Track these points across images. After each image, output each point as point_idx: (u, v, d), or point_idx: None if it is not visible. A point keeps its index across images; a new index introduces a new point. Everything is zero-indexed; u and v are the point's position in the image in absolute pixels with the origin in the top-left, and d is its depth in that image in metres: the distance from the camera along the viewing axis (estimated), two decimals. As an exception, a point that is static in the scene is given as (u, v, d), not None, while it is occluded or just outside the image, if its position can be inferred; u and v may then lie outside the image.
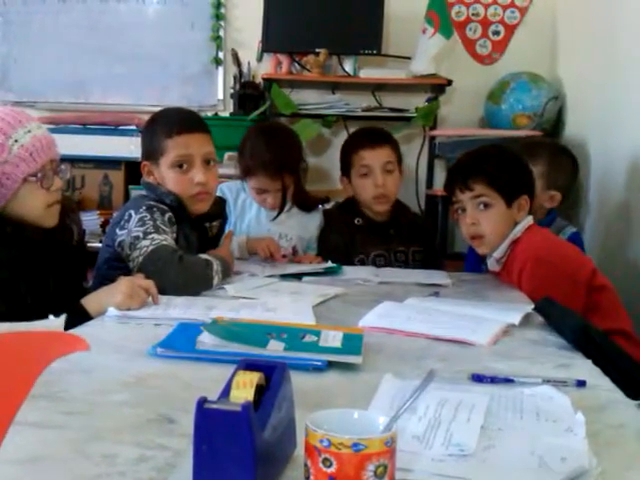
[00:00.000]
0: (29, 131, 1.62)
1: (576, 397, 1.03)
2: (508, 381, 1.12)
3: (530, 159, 2.50)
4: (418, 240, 2.61)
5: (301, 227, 2.58)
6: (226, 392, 0.70)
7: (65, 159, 1.81)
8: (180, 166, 1.99)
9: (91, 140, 3.29)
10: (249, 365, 0.76)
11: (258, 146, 2.43)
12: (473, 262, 2.51)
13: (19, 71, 3.73)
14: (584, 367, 1.24)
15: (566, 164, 2.75)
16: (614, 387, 1.12)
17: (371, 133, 2.64)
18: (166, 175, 2.00)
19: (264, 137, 2.48)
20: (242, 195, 2.55)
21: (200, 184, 1.99)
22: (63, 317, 1.24)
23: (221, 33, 3.61)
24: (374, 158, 2.53)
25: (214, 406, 0.66)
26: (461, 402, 0.96)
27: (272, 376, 0.75)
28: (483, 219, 2.12)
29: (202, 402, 0.66)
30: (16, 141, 1.60)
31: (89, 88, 3.69)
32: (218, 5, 3.58)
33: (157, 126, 2.04)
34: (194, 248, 2.02)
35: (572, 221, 2.96)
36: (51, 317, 1.25)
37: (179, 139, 1.97)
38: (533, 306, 1.67)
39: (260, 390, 0.73)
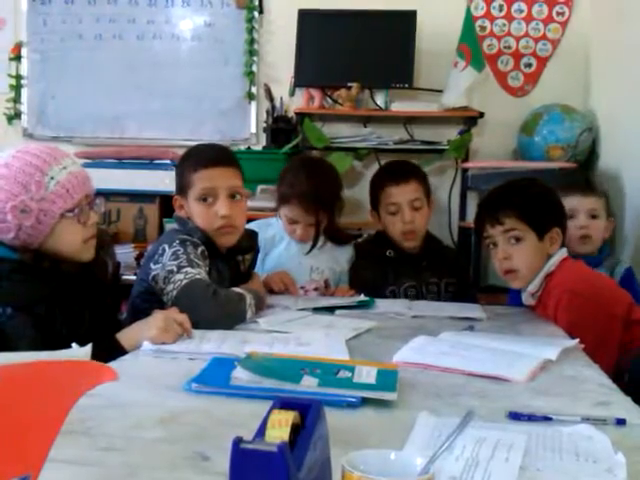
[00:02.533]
0: (64, 167, 1.65)
1: (616, 436, 1.00)
2: (546, 419, 1.10)
3: (589, 192, 2.51)
4: (451, 272, 2.59)
5: (332, 260, 2.58)
6: (261, 432, 0.70)
7: (101, 193, 1.83)
8: (205, 199, 2.01)
9: (126, 174, 3.34)
10: (284, 404, 0.76)
11: (298, 177, 2.45)
12: (516, 294, 2.50)
13: (57, 107, 3.81)
14: (624, 405, 1.21)
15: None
16: (655, 425, 1.10)
17: (398, 169, 2.63)
18: (193, 209, 2.02)
19: (306, 169, 2.49)
20: (270, 231, 2.54)
21: (224, 217, 2.00)
22: (89, 346, 1.24)
23: (254, 68, 3.67)
24: (401, 195, 2.52)
25: (250, 446, 0.65)
26: (499, 441, 0.95)
27: (307, 415, 0.75)
28: (515, 253, 2.10)
29: (238, 442, 0.66)
30: (52, 178, 1.62)
31: (125, 123, 3.76)
32: (251, 41, 3.64)
33: (187, 161, 2.08)
34: (227, 282, 2.02)
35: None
36: (74, 346, 1.25)
37: (204, 172, 2.00)
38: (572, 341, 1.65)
39: (295, 429, 0.73)
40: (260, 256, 2.43)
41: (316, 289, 2.43)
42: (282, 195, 2.48)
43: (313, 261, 2.52)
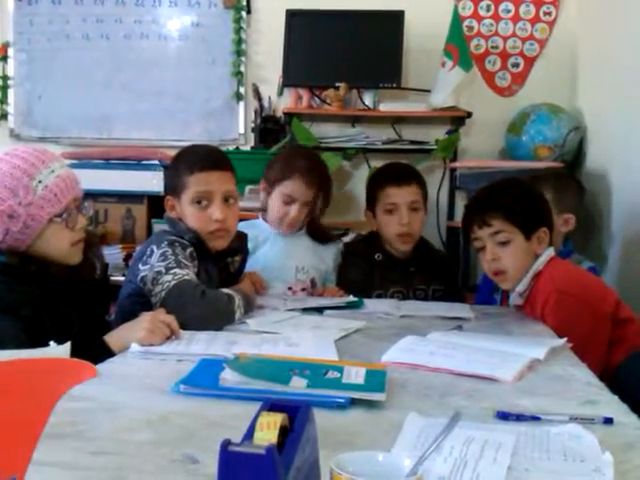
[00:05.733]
0: (52, 171, 1.64)
1: (603, 435, 1.01)
2: (534, 419, 1.10)
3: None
4: (439, 278, 2.58)
5: (317, 258, 2.57)
6: (250, 434, 0.70)
7: (88, 194, 1.82)
8: (199, 202, 2.00)
9: (114, 175, 3.32)
10: (273, 406, 0.76)
11: (295, 155, 2.47)
12: (486, 293, 2.51)
13: (43, 107, 3.79)
14: (611, 404, 1.22)
15: (572, 186, 2.74)
16: (642, 424, 1.10)
17: (399, 170, 2.62)
18: (186, 210, 2.02)
19: (301, 151, 2.54)
20: (254, 232, 2.49)
21: (218, 221, 2.00)
22: (68, 344, 1.24)
23: (242, 68, 3.66)
24: (401, 196, 2.52)
25: (238, 449, 0.65)
26: (487, 441, 0.95)
27: (296, 417, 0.75)
28: (504, 255, 2.11)
29: (226, 445, 0.66)
30: (40, 182, 1.61)
31: (112, 124, 3.74)
32: (239, 41, 3.63)
33: (181, 162, 2.06)
34: (215, 283, 2.02)
35: (594, 252, 2.94)
36: (52, 344, 1.25)
37: (200, 176, 1.99)
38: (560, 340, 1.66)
39: (284, 431, 0.73)
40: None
41: (303, 289, 2.43)
42: (280, 173, 2.44)
43: (298, 261, 2.51)
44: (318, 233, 2.57)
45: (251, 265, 2.41)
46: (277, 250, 2.52)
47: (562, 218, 2.62)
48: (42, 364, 0.74)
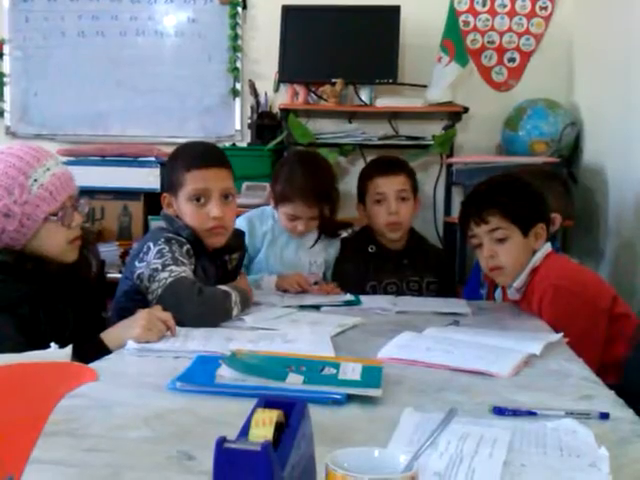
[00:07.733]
0: (48, 169, 1.63)
1: (599, 430, 1.01)
2: (530, 414, 1.10)
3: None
4: (433, 271, 2.60)
5: (325, 252, 2.61)
6: (245, 431, 0.70)
7: (84, 191, 1.82)
8: (198, 199, 1.99)
9: (110, 172, 3.32)
10: (268, 402, 0.76)
11: (295, 173, 2.45)
12: (473, 288, 2.52)
13: (39, 105, 3.79)
14: (607, 398, 1.22)
15: (554, 186, 2.73)
16: (637, 419, 1.10)
17: (387, 161, 2.66)
18: (183, 208, 2.01)
19: (301, 164, 2.49)
20: (268, 223, 2.54)
21: (216, 218, 1.99)
22: (69, 348, 1.23)
23: (238, 65, 3.66)
24: (388, 185, 2.55)
25: (233, 446, 0.65)
26: (483, 437, 0.95)
27: (291, 413, 0.75)
28: (501, 251, 2.10)
29: (221, 442, 0.66)
30: (36, 180, 1.60)
31: (108, 120, 3.74)
32: (235, 37, 3.63)
33: (178, 159, 2.05)
34: (212, 280, 2.02)
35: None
36: (53, 346, 1.24)
37: (197, 173, 1.98)
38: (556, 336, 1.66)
39: (279, 428, 0.72)
40: (262, 248, 2.50)
41: (316, 283, 2.43)
42: (281, 194, 2.47)
43: (311, 256, 2.56)
44: (330, 228, 2.60)
45: (269, 260, 2.48)
46: (292, 244, 2.55)
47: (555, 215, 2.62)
48: (43, 368, 0.74)
